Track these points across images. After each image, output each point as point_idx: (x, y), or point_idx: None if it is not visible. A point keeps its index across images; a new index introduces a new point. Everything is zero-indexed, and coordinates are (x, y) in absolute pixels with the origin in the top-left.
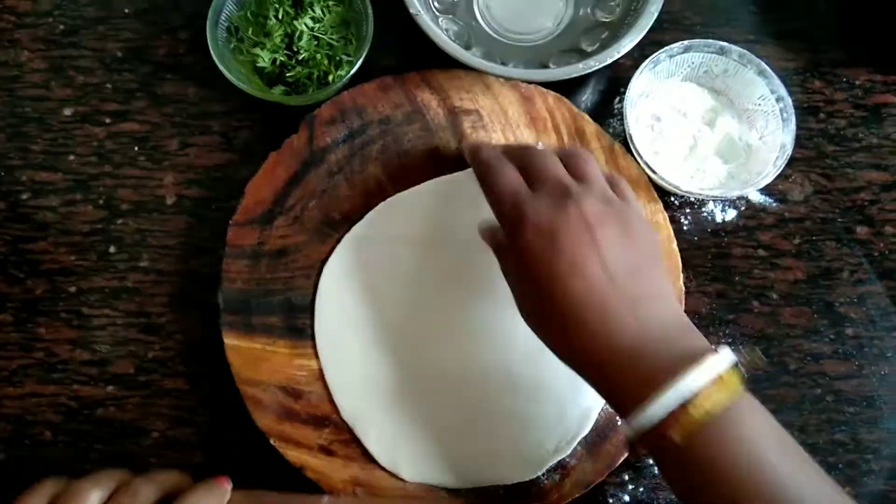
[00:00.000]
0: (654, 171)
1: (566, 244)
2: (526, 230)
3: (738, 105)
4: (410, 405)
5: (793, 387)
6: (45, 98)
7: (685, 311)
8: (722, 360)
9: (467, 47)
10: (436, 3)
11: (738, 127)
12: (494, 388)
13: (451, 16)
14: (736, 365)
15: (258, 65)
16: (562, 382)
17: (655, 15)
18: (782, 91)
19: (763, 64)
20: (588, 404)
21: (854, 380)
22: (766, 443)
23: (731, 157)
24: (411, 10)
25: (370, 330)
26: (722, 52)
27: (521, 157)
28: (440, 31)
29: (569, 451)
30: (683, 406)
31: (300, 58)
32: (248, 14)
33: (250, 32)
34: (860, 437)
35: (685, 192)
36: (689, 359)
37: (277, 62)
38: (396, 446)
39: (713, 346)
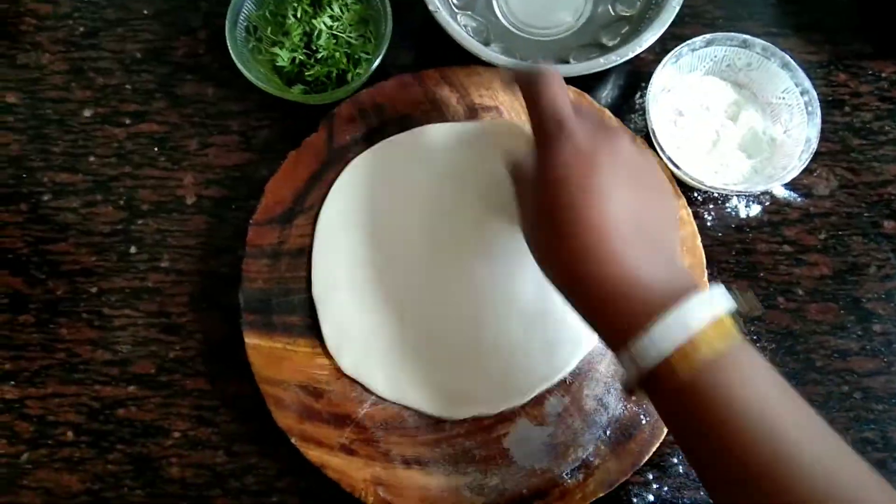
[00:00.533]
0: (677, 167)
1: (602, 165)
2: (565, 143)
3: (762, 99)
4: (411, 340)
5: (820, 384)
6: (66, 100)
7: None
8: (721, 299)
9: (486, 43)
10: (454, 0)
11: (761, 121)
12: (489, 321)
13: (469, 12)
14: (735, 312)
15: (277, 64)
16: (555, 317)
17: (677, 9)
18: (807, 84)
19: (787, 57)
20: (578, 337)
21: (882, 377)
22: (769, 388)
23: (755, 151)
24: (430, 7)
25: (368, 270)
26: (745, 45)
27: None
28: (459, 28)
29: (555, 380)
30: (689, 341)
31: (319, 56)
32: (267, 13)
33: (269, 32)
34: (889, 436)
35: (709, 187)
36: (692, 288)
37: (296, 61)
38: (399, 379)
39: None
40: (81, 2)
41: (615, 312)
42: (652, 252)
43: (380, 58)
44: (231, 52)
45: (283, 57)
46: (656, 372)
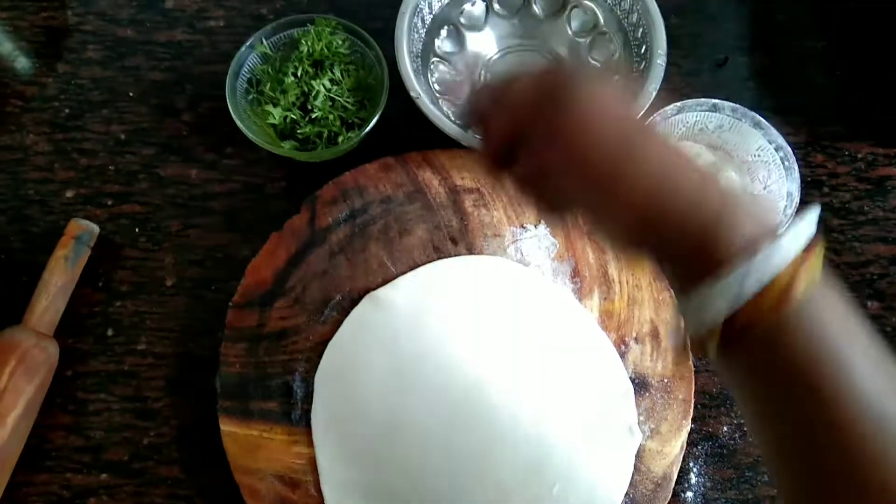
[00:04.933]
0: None
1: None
2: (580, 88)
3: (738, 158)
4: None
5: None
6: (48, 180)
7: (695, 391)
8: (814, 223)
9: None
10: (436, 85)
11: (740, 179)
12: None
13: (450, 97)
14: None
15: (268, 121)
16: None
17: (654, 93)
18: (780, 140)
19: (757, 116)
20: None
21: None
22: (854, 336)
23: None
24: (412, 93)
25: (370, 424)
26: (715, 108)
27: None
28: (439, 114)
29: None
30: (777, 280)
31: (313, 116)
32: (270, 69)
33: (268, 87)
34: None
35: None
36: (776, 227)
37: (288, 119)
38: None
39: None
40: (68, 84)
41: (689, 251)
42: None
43: (373, 123)
44: (228, 101)
45: (275, 115)
46: (742, 311)
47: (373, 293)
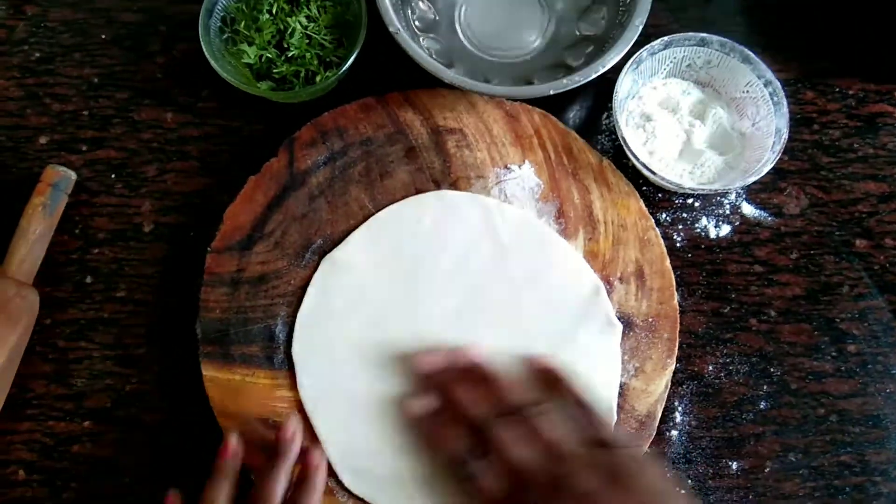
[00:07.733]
0: (652, 172)
1: None
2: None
3: (726, 94)
4: (394, 442)
5: (794, 407)
6: (21, 126)
7: (680, 330)
8: None
9: (449, 65)
10: (416, 22)
11: (728, 116)
12: None
13: (432, 34)
14: None
15: (243, 60)
16: None
17: (640, 28)
18: (769, 75)
19: (746, 50)
20: None
21: (858, 398)
22: None
23: (726, 148)
24: (391, 29)
25: (353, 359)
26: (703, 43)
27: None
28: (420, 50)
29: None
30: None
31: (290, 55)
32: (244, 6)
33: (243, 26)
34: (867, 459)
35: (687, 189)
36: None
37: (264, 59)
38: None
39: None
40: (38, 27)
41: None
42: None
43: (351, 61)
44: (201, 41)
45: (250, 54)
46: None
47: (350, 235)
